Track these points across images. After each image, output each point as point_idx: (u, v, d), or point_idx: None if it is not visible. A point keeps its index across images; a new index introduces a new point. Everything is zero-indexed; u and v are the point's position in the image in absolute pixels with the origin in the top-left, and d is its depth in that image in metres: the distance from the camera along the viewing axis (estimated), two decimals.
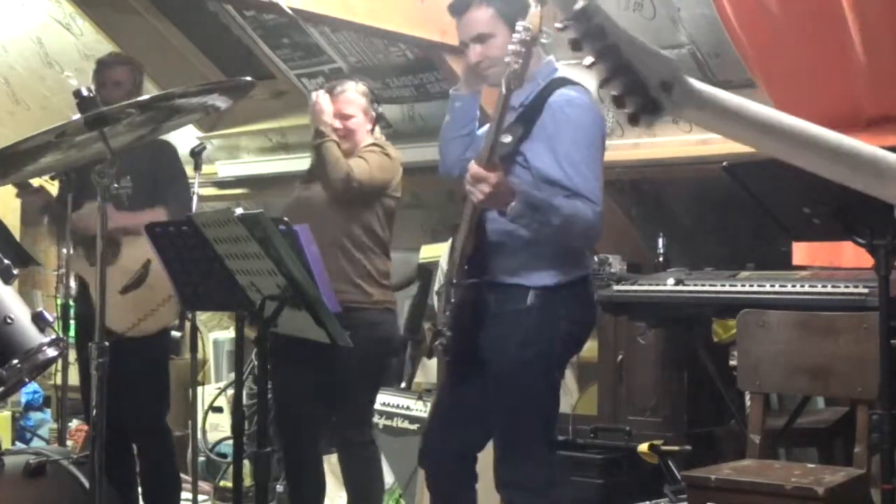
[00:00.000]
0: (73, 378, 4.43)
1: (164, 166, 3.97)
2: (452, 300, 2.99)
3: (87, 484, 2.98)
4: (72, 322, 4.29)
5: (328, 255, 3.57)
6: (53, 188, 4.13)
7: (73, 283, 4.21)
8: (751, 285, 3.79)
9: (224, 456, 5.32)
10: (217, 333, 6.42)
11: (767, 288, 3.73)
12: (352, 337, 2.99)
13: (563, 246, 2.94)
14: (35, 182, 4.01)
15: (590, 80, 4.73)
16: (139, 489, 4.12)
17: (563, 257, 2.98)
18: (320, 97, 3.78)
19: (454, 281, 2.99)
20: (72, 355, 4.15)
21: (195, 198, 3.90)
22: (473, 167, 2.82)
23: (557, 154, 2.90)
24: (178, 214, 3.66)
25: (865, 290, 3.46)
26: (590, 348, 4.60)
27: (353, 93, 3.86)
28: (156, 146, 3.91)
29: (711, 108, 1.71)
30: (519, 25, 2.80)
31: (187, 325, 4.21)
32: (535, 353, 2.94)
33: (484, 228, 2.97)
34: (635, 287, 4.12)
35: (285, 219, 2.81)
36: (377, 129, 4.00)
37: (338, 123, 3.81)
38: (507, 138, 2.98)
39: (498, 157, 2.87)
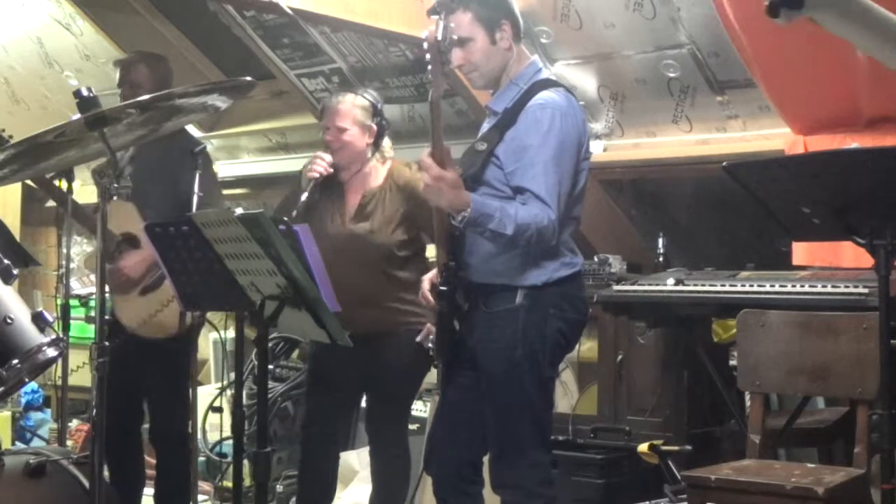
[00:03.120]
0: (74, 378, 4.44)
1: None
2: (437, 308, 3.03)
3: (87, 484, 2.97)
4: (72, 322, 4.28)
5: (386, 292, 3.80)
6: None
7: (74, 283, 4.21)
8: (751, 285, 3.79)
9: (224, 456, 5.31)
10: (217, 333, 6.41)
11: (767, 288, 3.73)
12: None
13: (515, 249, 2.95)
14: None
15: (588, 80, 4.77)
16: (143, 490, 4.13)
17: (550, 257, 2.99)
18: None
19: (437, 288, 3.02)
20: (77, 357, 4.15)
21: (195, 198, 3.89)
22: (423, 154, 2.87)
23: (524, 157, 2.92)
24: None
25: (865, 290, 3.46)
26: (590, 348, 4.61)
27: (349, 105, 3.86)
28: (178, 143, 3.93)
29: (853, 18, 1.76)
30: (423, 35, 2.82)
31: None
32: (524, 352, 2.95)
33: (456, 236, 2.99)
34: (635, 287, 4.12)
35: (285, 219, 2.81)
36: (387, 142, 3.97)
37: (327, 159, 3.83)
38: (483, 146, 3.03)
39: (471, 167, 2.95)
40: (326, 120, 3.89)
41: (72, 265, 4.28)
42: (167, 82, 4.01)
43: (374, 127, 3.88)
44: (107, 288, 3.01)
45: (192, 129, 6.05)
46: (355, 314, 3.65)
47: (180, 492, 3.97)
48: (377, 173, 3.90)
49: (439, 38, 2.82)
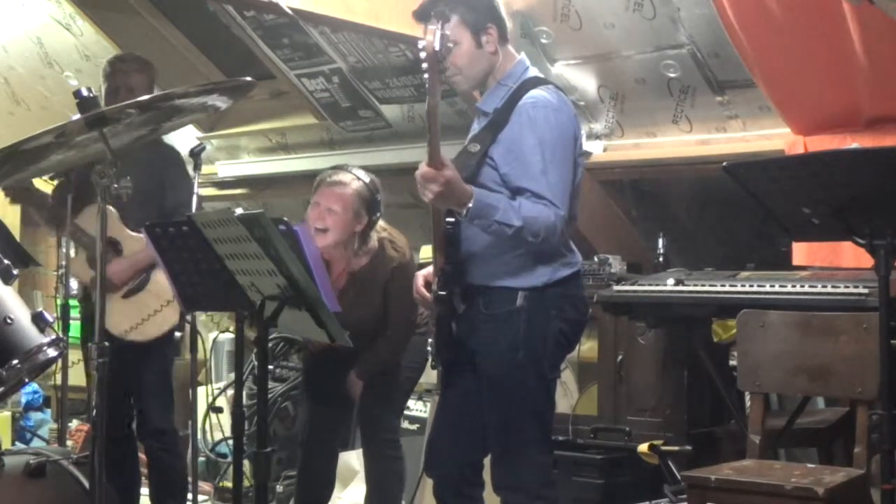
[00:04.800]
0: (74, 378, 4.43)
1: (170, 175, 3.98)
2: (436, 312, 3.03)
3: (87, 484, 2.97)
4: (72, 322, 4.29)
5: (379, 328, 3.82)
6: (49, 187, 4.13)
7: (73, 284, 4.21)
8: (751, 285, 3.79)
9: (224, 456, 5.32)
10: (217, 333, 6.42)
11: (767, 288, 3.72)
12: None
13: (524, 247, 2.93)
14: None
15: (588, 80, 4.77)
16: (140, 490, 4.13)
17: (550, 257, 2.98)
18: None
19: (435, 293, 3.02)
20: (74, 355, 4.15)
21: (195, 198, 3.90)
22: (422, 167, 2.84)
23: (520, 158, 2.91)
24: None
25: (865, 290, 3.46)
26: (590, 348, 4.61)
27: (349, 190, 3.70)
28: (161, 152, 3.94)
29: None
30: (421, 45, 2.81)
31: (187, 326, 4.20)
32: (526, 354, 2.94)
33: (452, 240, 2.98)
34: (635, 287, 4.12)
35: (285, 219, 2.81)
36: (376, 233, 3.81)
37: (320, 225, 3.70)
38: (476, 147, 3.01)
39: (465, 170, 2.92)
40: (318, 195, 3.73)
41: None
42: (154, 87, 4.02)
43: (366, 219, 3.75)
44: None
45: (193, 130, 6.06)
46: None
47: (176, 488, 3.98)
48: (361, 255, 3.81)
49: (437, 48, 2.81)
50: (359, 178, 3.76)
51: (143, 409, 3.98)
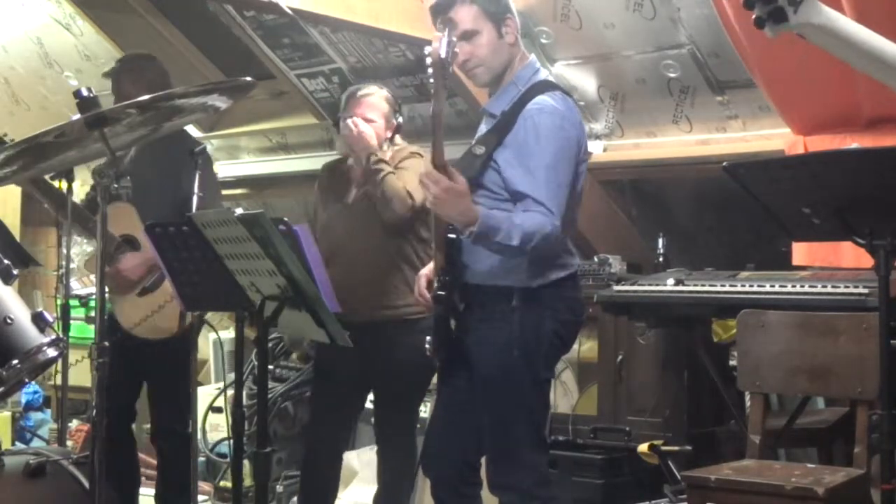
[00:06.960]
0: (74, 378, 4.43)
1: (183, 167, 3.96)
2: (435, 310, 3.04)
3: (87, 484, 2.97)
4: (72, 322, 4.28)
5: (392, 270, 3.78)
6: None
7: (74, 283, 4.20)
8: (751, 285, 3.79)
9: (224, 456, 5.31)
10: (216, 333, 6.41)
11: (767, 288, 3.73)
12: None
13: (520, 256, 2.94)
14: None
15: (588, 80, 4.76)
16: (139, 490, 4.13)
17: (547, 259, 2.98)
18: (360, 125, 3.80)
19: (434, 292, 3.02)
20: (75, 355, 4.14)
21: (195, 198, 3.89)
22: (428, 168, 2.88)
23: (524, 163, 2.92)
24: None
25: (865, 290, 3.46)
26: (590, 348, 4.61)
27: (377, 97, 3.90)
28: (178, 145, 3.92)
29: (834, 36, 2.02)
30: (427, 51, 2.82)
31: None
32: (520, 354, 2.94)
33: (453, 240, 2.98)
34: (635, 287, 4.12)
35: (285, 219, 2.81)
36: (398, 137, 4.00)
37: (363, 126, 3.83)
38: (481, 149, 3.02)
39: (468, 171, 2.93)
40: (351, 109, 3.88)
41: (72, 265, 4.28)
42: (158, 83, 3.93)
43: (395, 123, 3.92)
44: (106, 288, 3.00)
45: (192, 129, 6.05)
46: (361, 295, 3.64)
47: (181, 492, 3.97)
48: (384, 152, 3.90)
49: (442, 55, 2.82)
50: (382, 87, 4.01)
51: (158, 409, 3.97)
